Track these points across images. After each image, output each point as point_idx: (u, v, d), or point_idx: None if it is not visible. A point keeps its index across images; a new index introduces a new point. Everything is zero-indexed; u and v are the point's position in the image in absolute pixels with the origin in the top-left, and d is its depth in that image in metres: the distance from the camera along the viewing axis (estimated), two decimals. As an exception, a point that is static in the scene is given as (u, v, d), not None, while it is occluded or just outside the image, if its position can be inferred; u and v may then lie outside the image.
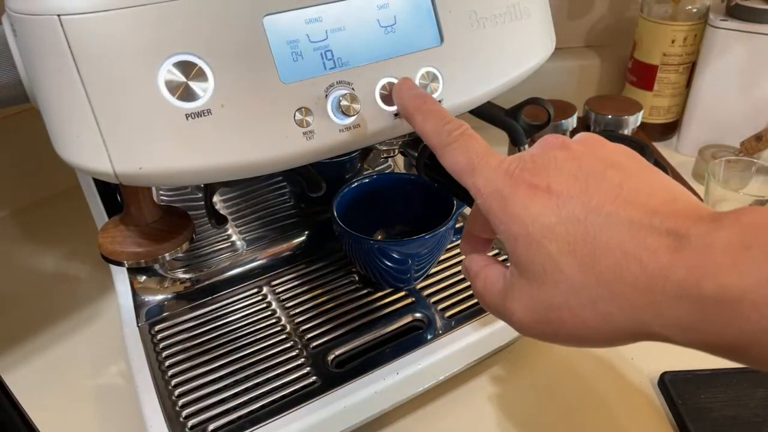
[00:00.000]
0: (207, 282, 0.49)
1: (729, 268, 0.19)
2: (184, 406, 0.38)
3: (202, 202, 0.43)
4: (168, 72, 0.27)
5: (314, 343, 0.43)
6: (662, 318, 0.21)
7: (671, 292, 0.21)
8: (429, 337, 0.43)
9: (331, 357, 0.42)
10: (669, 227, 0.22)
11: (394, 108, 0.33)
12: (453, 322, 0.44)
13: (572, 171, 0.25)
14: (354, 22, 0.31)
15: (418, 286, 0.48)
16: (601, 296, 0.22)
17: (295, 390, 0.39)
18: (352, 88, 0.31)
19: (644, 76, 0.77)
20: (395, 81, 0.32)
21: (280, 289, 0.48)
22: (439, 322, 0.44)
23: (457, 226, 0.48)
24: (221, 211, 0.48)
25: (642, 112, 0.72)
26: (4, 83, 0.30)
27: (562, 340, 0.25)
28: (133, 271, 0.47)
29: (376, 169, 0.58)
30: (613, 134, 0.71)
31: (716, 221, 0.21)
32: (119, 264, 0.40)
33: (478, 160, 0.27)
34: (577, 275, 0.23)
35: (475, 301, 0.46)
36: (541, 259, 0.24)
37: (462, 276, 0.48)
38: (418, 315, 0.45)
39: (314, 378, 0.40)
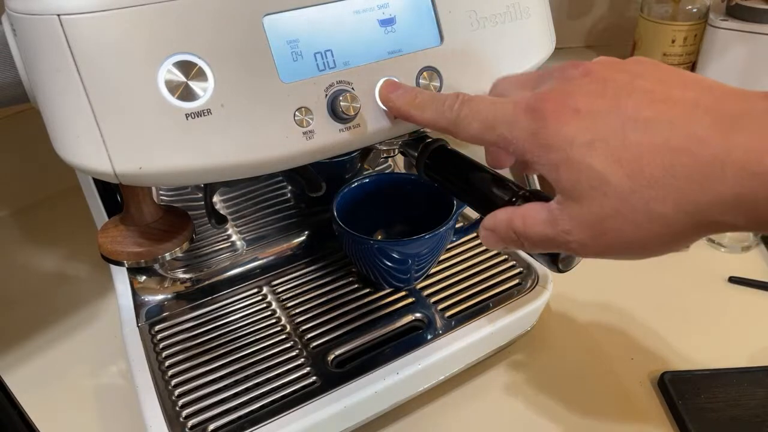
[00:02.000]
0: (207, 282, 0.49)
1: None
2: (184, 406, 0.38)
3: (202, 202, 0.43)
4: (168, 72, 0.27)
5: (314, 343, 0.43)
6: (723, 204, 0.21)
7: (731, 176, 0.20)
8: (429, 337, 0.43)
9: (331, 357, 0.42)
10: (716, 114, 0.21)
11: None
12: (453, 322, 0.44)
13: (598, 91, 0.24)
14: (354, 22, 0.31)
15: (418, 286, 0.48)
16: (654, 197, 0.22)
17: (295, 390, 0.39)
18: (352, 88, 0.31)
19: (644, 76, 0.77)
20: (393, 80, 0.32)
21: (280, 289, 0.48)
22: (439, 322, 0.44)
23: (457, 226, 0.48)
24: (221, 211, 0.48)
25: (642, 112, 0.72)
26: (4, 83, 0.30)
27: (623, 252, 0.25)
28: (133, 271, 0.47)
29: (376, 169, 0.58)
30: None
31: (767, 98, 0.21)
32: (119, 264, 0.40)
33: (492, 114, 0.27)
34: (625, 182, 0.23)
35: (476, 301, 0.46)
36: (586, 177, 0.24)
37: (462, 276, 0.48)
38: (418, 315, 0.45)
39: (314, 378, 0.40)
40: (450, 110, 0.28)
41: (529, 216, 0.27)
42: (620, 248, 0.24)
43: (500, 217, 0.28)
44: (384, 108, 0.32)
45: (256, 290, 0.48)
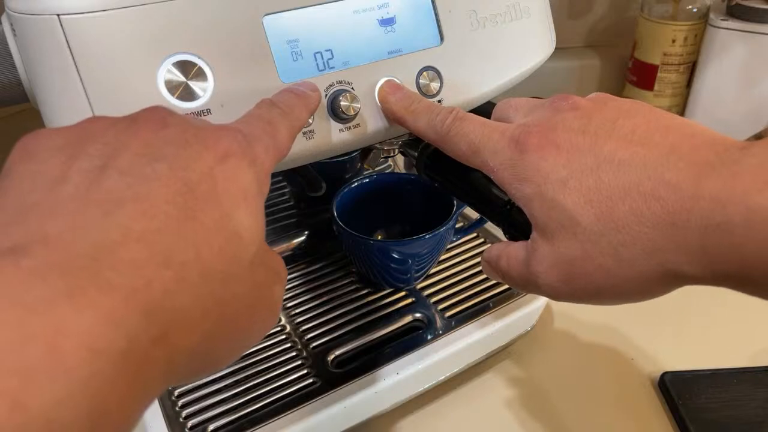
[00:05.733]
0: (207, 282, 0.49)
1: (760, 191, 0.19)
2: (184, 406, 0.38)
3: (202, 202, 0.43)
4: (168, 72, 0.27)
5: (314, 343, 0.43)
6: (689, 255, 0.21)
7: (697, 225, 0.20)
8: (429, 337, 0.43)
9: (331, 357, 0.42)
10: (690, 160, 0.21)
11: None
12: (453, 322, 0.44)
13: (581, 128, 0.24)
14: (354, 22, 0.31)
15: (418, 286, 0.48)
16: (622, 242, 0.22)
17: (294, 390, 0.39)
18: (352, 88, 0.31)
19: (644, 75, 0.77)
20: (395, 81, 0.32)
21: (280, 289, 0.48)
22: (439, 322, 0.44)
23: (457, 226, 0.48)
24: (221, 211, 0.48)
25: (642, 112, 0.72)
26: (4, 83, 0.30)
27: (593, 297, 0.24)
28: (133, 271, 0.47)
29: (376, 169, 0.58)
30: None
31: (744, 149, 0.20)
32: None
33: (478, 138, 0.27)
34: (594, 225, 0.23)
35: (476, 301, 0.46)
36: (557, 215, 0.24)
37: (462, 276, 0.48)
38: (418, 315, 0.45)
39: (314, 378, 0.40)
40: (441, 124, 0.28)
41: (512, 257, 0.27)
42: (591, 293, 0.24)
43: (493, 252, 0.29)
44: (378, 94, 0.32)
45: (256, 290, 0.48)
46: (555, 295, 0.25)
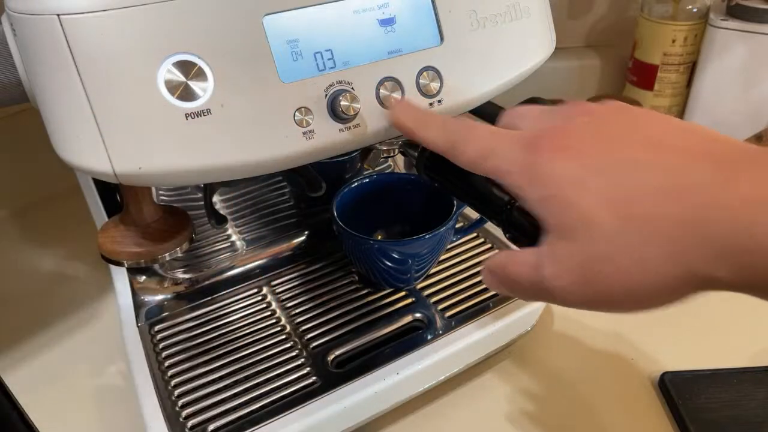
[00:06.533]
0: (207, 282, 0.49)
1: None
2: (184, 406, 0.38)
3: (202, 202, 0.43)
4: (168, 72, 0.27)
5: (314, 343, 0.43)
6: (712, 258, 0.20)
7: (720, 229, 0.20)
8: (429, 337, 0.43)
9: (331, 357, 0.42)
10: (712, 163, 0.21)
11: None
12: (453, 322, 0.44)
13: (597, 132, 0.24)
14: (354, 22, 0.31)
15: (418, 286, 0.48)
16: (642, 242, 0.22)
17: (295, 390, 0.39)
18: (352, 88, 0.31)
19: (645, 75, 0.77)
20: (395, 80, 0.32)
21: (280, 289, 0.48)
22: (439, 322, 0.44)
23: (457, 226, 0.48)
24: (221, 211, 0.48)
25: (642, 112, 0.72)
26: (4, 83, 0.30)
27: (608, 302, 0.24)
28: (132, 271, 0.47)
29: (376, 169, 0.58)
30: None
31: (765, 153, 0.20)
32: (119, 264, 0.40)
33: (489, 145, 0.27)
34: (613, 224, 0.22)
35: (475, 301, 0.46)
36: (576, 215, 0.23)
37: (462, 276, 0.48)
38: (418, 315, 0.45)
39: (314, 378, 0.40)
40: (451, 134, 0.28)
41: (521, 262, 0.26)
42: (607, 298, 0.23)
43: (499, 260, 0.27)
44: (386, 111, 0.32)
45: (255, 290, 0.48)
46: (569, 300, 0.24)
